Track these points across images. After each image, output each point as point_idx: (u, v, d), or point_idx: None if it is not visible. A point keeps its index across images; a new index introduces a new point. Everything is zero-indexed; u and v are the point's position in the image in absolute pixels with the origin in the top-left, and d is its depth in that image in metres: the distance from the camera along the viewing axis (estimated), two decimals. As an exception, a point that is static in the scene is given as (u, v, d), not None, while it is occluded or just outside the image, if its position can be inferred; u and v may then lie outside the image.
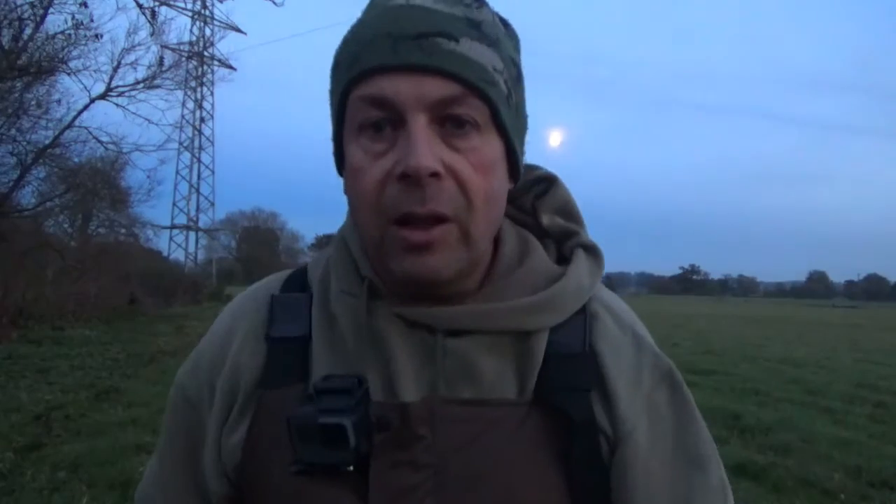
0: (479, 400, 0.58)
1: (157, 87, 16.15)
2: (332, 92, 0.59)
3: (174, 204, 45.14)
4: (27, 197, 15.33)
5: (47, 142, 14.32)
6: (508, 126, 0.57)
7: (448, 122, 0.54)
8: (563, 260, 0.66)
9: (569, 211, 0.68)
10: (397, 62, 0.52)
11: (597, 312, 0.64)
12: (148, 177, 18.44)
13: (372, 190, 0.54)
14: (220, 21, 35.42)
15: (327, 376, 0.57)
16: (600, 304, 0.65)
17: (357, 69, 0.54)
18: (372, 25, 0.55)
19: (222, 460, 0.63)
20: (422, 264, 0.54)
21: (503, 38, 0.58)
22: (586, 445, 0.58)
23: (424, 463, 0.56)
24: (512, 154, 0.59)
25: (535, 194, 0.69)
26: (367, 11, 0.58)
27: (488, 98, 0.54)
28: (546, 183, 0.69)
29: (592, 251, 0.66)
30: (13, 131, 13.53)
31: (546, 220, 0.68)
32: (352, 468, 0.55)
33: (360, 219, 0.57)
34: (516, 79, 0.59)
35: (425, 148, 0.52)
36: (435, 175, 0.52)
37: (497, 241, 0.63)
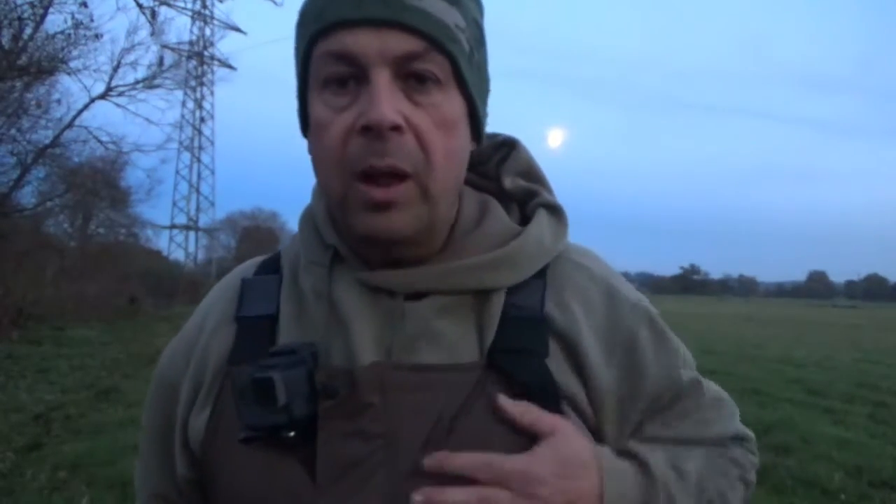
0: (431, 365, 0.57)
1: (157, 86, 16.19)
2: (297, 48, 0.59)
3: (174, 204, 45.17)
4: (27, 197, 15.35)
5: (47, 142, 14.33)
6: (470, 83, 0.57)
7: (411, 78, 0.54)
8: (527, 221, 0.65)
9: (531, 173, 0.68)
10: (360, 16, 0.52)
11: (567, 272, 0.64)
12: (148, 176, 18.53)
13: (335, 144, 0.54)
14: (220, 21, 35.40)
15: (283, 345, 0.58)
16: (571, 263, 0.65)
17: (320, 23, 0.54)
18: None
19: (188, 442, 0.64)
20: (381, 221, 0.54)
21: (466, 3, 0.58)
22: (544, 407, 0.57)
23: (375, 433, 0.55)
24: (474, 114, 0.59)
25: (498, 159, 0.69)
26: None
27: (450, 53, 0.54)
28: (507, 148, 0.69)
29: (554, 210, 0.66)
30: (13, 131, 13.53)
31: (508, 182, 0.67)
32: (293, 434, 0.54)
33: (324, 175, 0.57)
34: (479, 40, 0.59)
35: (387, 101, 0.52)
36: (396, 129, 0.52)
37: (458, 210, 0.63)
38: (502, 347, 0.58)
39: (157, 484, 0.70)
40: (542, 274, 0.62)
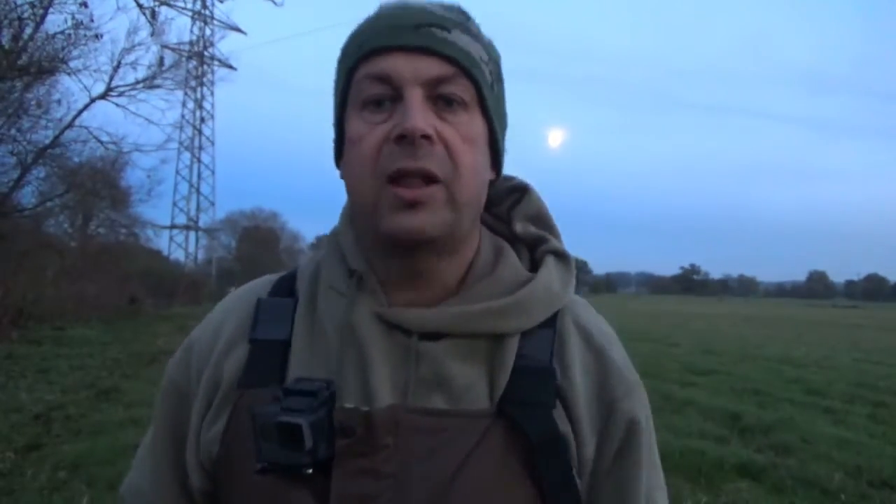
0: (444, 410, 0.60)
1: (157, 86, 16.20)
2: (338, 75, 0.65)
3: (174, 204, 45.16)
4: (27, 197, 15.37)
5: (47, 142, 14.35)
6: (491, 109, 0.63)
7: (440, 100, 0.60)
8: (536, 267, 0.69)
9: (542, 219, 0.72)
10: (396, 43, 0.59)
11: (569, 330, 0.67)
12: (148, 176, 18.52)
13: (370, 153, 0.59)
14: (220, 21, 35.41)
15: (299, 378, 0.60)
16: (573, 323, 0.68)
17: (362, 50, 0.61)
18: (376, 19, 0.63)
19: (200, 453, 0.66)
20: (410, 220, 0.58)
21: (489, 45, 0.65)
22: (550, 460, 0.60)
23: (387, 472, 0.58)
24: (494, 141, 0.64)
25: (511, 203, 0.73)
26: (373, 12, 0.65)
27: (474, 79, 0.61)
28: (520, 192, 0.73)
29: (562, 257, 0.69)
30: (13, 131, 13.55)
31: (519, 227, 0.71)
32: (311, 471, 0.57)
33: (357, 183, 0.61)
34: (498, 77, 0.66)
35: (419, 113, 0.58)
36: (427, 137, 0.57)
37: (477, 249, 0.67)
38: (512, 398, 0.61)
39: (157, 490, 0.71)
40: (551, 323, 0.65)
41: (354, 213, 0.67)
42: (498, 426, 0.60)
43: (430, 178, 0.58)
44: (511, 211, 0.72)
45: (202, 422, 0.66)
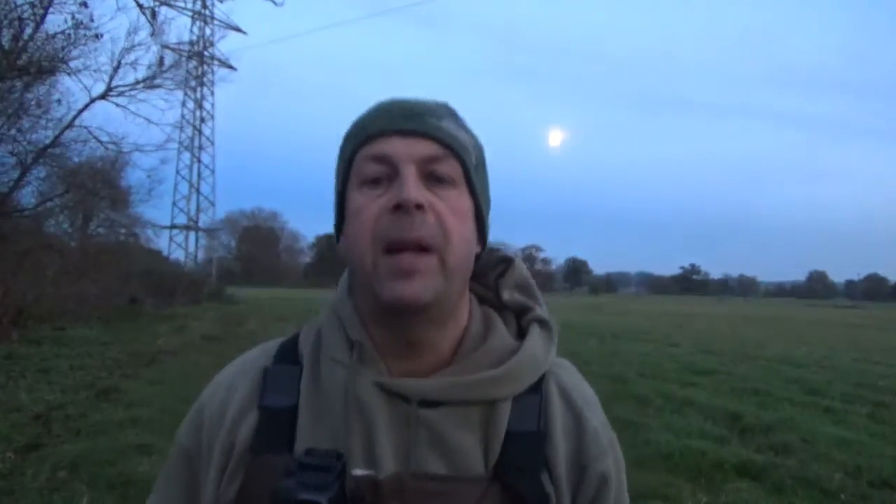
0: (445, 476, 0.66)
1: (158, 86, 16.18)
2: (341, 156, 0.72)
3: (174, 204, 45.14)
4: (27, 197, 15.35)
5: (47, 142, 14.33)
6: (477, 188, 0.70)
7: (431, 178, 0.67)
8: (522, 332, 0.76)
9: (526, 287, 0.79)
10: (394, 128, 0.67)
11: (552, 394, 0.73)
12: (148, 176, 18.49)
13: (370, 221, 0.65)
14: (220, 21, 35.42)
15: (309, 450, 0.64)
16: (556, 386, 0.74)
17: (363, 134, 0.68)
18: (375, 110, 0.71)
19: None
20: (406, 287, 0.63)
21: (473, 135, 0.73)
22: None
23: None
24: (480, 216, 0.71)
25: (498, 273, 0.79)
26: (372, 106, 0.72)
27: (462, 160, 0.68)
28: (506, 263, 0.79)
29: (545, 325, 0.76)
30: (13, 131, 13.54)
31: (506, 295, 0.78)
32: None
33: (357, 250, 0.67)
34: (482, 163, 0.73)
35: (413, 186, 0.64)
36: (420, 207, 0.64)
37: (467, 319, 0.73)
38: (506, 463, 0.67)
39: None
40: (538, 388, 0.72)
41: (353, 282, 0.73)
42: (494, 490, 0.66)
43: (423, 248, 0.64)
44: (498, 280, 0.78)
45: (219, 486, 0.70)
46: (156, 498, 0.77)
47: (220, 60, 34.82)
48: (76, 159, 15.98)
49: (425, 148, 0.66)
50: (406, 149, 0.66)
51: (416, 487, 0.64)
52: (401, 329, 0.68)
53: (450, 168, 0.67)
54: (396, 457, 0.66)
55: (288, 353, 0.76)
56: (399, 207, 0.63)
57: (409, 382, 0.67)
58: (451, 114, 0.71)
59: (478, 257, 0.73)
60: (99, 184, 17.19)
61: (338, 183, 0.72)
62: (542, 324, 0.76)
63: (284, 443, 0.68)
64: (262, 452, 0.68)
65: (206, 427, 0.74)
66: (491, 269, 0.79)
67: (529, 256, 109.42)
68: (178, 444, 0.77)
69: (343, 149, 0.72)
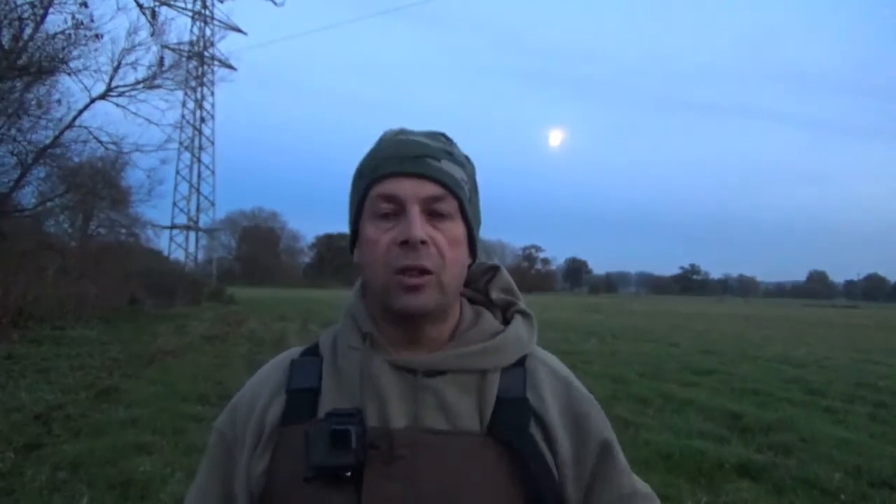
0: (448, 431, 0.79)
1: (158, 87, 16.23)
2: (355, 190, 0.85)
3: (174, 204, 45.16)
4: (27, 197, 15.38)
5: (47, 142, 14.35)
6: (470, 217, 0.84)
7: (433, 213, 0.80)
8: (507, 323, 0.91)
9: (510, 290, 0.95)
10: (403, 170, 0.80)
11: (537, 367, 0.88)
12: (148, 177, 18.52)
13: (382, 251, 0.80)
14: (220, 21, 35.43)
15: (331, 411, 0.77)
16: (540, 362, 0.89)
17: (376, 174, 0.82)
18: (386, 149, 0.83)
19: (250, 485, 0.82)
20: (413, 300, 0.79)
21: (466, 164, 0.87)
22: (532, 465, 0.78)
23: (404, 477, 0.76)
24: (472, 238, 0.85)
25: (487, 279, 0.95)
26: (382, 141, 0.86)
27: (458, 197, 0.82)
28: (494, 270, 0.95)
29: (526, 315, 0.92)
30: (13, 131, 13.55)
31: (494, 295, 0.93)
32: (349, 475, 0.74)
33: (373, 272, 0.81)
34: (474, 189, 0.88)
35: (419, 225, 0.78)
36: (424, 243, 0.78)
37: (459, 315, 0.89)
38: (498, 422, 0.80)
39: None
40: (521, 363, 0.86)
41: (367, 291, 0.87)
42: (488, 442, 0.79)
43: (425, 271, 0.78)
44: (487, 284, 0.94)
45: (251, 461, 0.83)
46: (198, 477, 0.90)
47: (220, 60, 34.87)
48: (76, 159, 16.04)
49: (429, 189, 0.80)
50: (413, 190, 0.79)
51: (423, 438, 0.78)
52: (406, 327, 0.83)
53: (448, 206, 0.81)
54: (406, 417, 0.79)
55: (311, 351, 0.91)
56: (406, 243, 0.77)
57: (414, 358, 0.82)
58: (448, 152, 0.84)
59: (469, 266, 0.87)
60: (99, 184, 17.22)
61: (352, 211, 0.86)
62: (524, 314, 0.92)
63: (310, 414, 0.81)
64: (290, 423, 0.81)
65: (240, 418, 0.87)
66: (481, 275, 0.94)
67: (529, 256, 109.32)
68: (216, 431, 0.90)
69: (356, 183, 0.85)
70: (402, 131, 0.87)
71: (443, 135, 0.88)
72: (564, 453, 0.82)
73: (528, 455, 0.79)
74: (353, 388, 0.82)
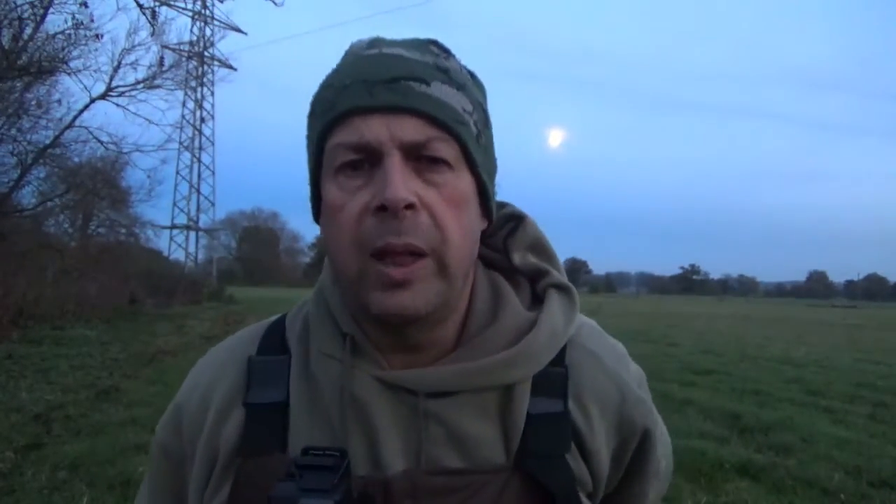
0: (460, 469, 0.59)
1: (158, 87, 16.19)
2: (309, 137, 0.60)
3: (174, 204, 45.12)
4: (27, 197, 15.36)
5: (47, 142, 14.34)
6: (479, 163, 0.59)
7: (422, 159, 0.55)
8: (537, 299, 0.67)
9: (540, 247, 0.69)
10: (373, 104, 0.54)
11: (581, 362, 0.65)
12: (148, 177, 18.48)
13: (350, 223, 0.55)
14: (220, 21, 35.39)
15: (307, 449, 0.54)
16: (585, 352, 0.65)
17: (334, 112, 0.56)
18: (347, 73, 0.57)
19: None
20: (398, 300, 0.54)
21: (470, 84, 0.61)
22: None
23: None
24: (483, 192, 0.61)
25: (506, 232, 0.69)
26: (343, 60, 0.60)
27: (459, 136, 0.56)
28: (516, 221, 0.69)
29: (565, 290, 0.67)
30: (13, 131, 13.54)
31: (518, 258, 0.68)
32: None
33: (339, 255, 0.57)
34: (485, 122, 0.62)
35: (400, 181, 0.53)
36: (410, 207, 0.53)
37: (471, 294, 0.64)
38: (528, 450, 0.59)
39: None
40: (560, 360, 0.63)
41: (337, 279, 0.63)
42: (515, 480, 0.59)
43: (415, 252, 0.54)
44: (507, 240, 0.68)
45: (203, 494, 0.63)
46: (141, 499, 0.71)
47: (220, 60, 34.86)
48: (76, 159, 16.01)
49: (413, 129, 0.54)
50: (388, 132, 0.54)
51: (430, 484, 0.57)
52: (395, 333, 0.60)
53: (444, 149, 0.56)
54: (406, 455, 0.58)
55: (274, 342, 0.67)
56: (384, 209, 0.53)
57: (413, 374, 0.59)
58: (441, 67, 0.58)
59: (484, 232, 0.64)
60: (99, 184, 17.19)
61: (310, 164, 0.60)
62: (562, 289, 0.66)
63: (277, 443, 0.60)
64: (251, 455, 0.60)
65: (185, 430, 0.66)
66: (499, 228, 0.68)
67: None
68: (158, 442, 0.69)
69: (312, 121, 0.60)
70: (376, 42, 0.60)
71: (434, 42, 0.60)
72: (603, 478, 0.64)
73: (562, 494, 0.59)
74: (330, 409, 0.60)
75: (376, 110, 0.54)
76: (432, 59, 0.58)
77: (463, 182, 0.57)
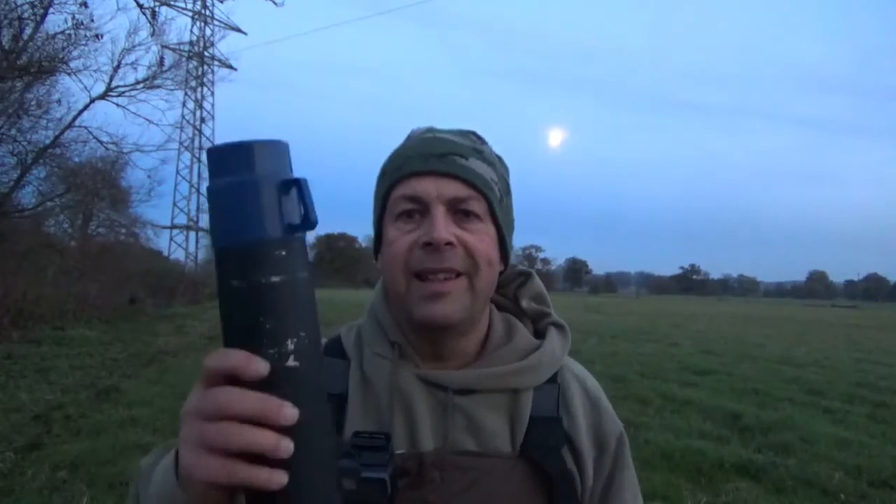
0: (479, 452, 0.76)
1: (158, 87, 16.19)
2: (378, 191, 0.81)
3: (174, 204, 45.13)
4: (27, 197, 15.35)
5: (47, 142, 14.33)
6: (500, 219, 0.78)
7: (459, 213, 0.75)
8: (538, 334, 0.86)
9: (542, 298, 0.90)
10: (426, 169, 0.75)
11: (569, 383, 0.83)
12: (148, 177, 18.49)
13: (402, 252, 0.74)
14: (220, 21, 35.42)
15: (357, 433, 0.72)
16: (572, 375, 0.85)
17: (399, 174, 0.77)
18: (410, 147, 0.79)
19: None
20: (436, 309, 0.73)
21: (498, 164, 0.82)
22: (563, 492, 0.76)
23: (433, 501, 0.73)
24: (503, 241, 0.80)
25: (517, 285, 0.90)
26: (407, 139, 0.82)
27: (487, 197, 0.76)
28: (525, 276, 0.90)
29: (561, 328, 0.87)
30: (13, 131, 13.53)
31: (525, 303, 0.89)
32: None
33: (392, 276, 0.76)
34: (506, 191, 0.82)
35: (443, 225, 0.73)
36: (449, 244, 0.73)
37: (490, 323, 0.84)
38: (531, 443, 0.77)
39: None
40: (554, 379, 0.82)
41: (389, 297, 0.82)
42: (520, 466, 0.76)
43: (453, 272, 0.73)
44: (518, 291, 0.89)
45: None
46: None
47: (220, 60, 34.84)
48: (76, 159, 16.01)
49: (454, 189, 0.74)
50: (436, 189, 0.74)
51: (454, 461, 0.74)
52: (431, 340, 0.78)
53: (476, 206, 0.75)
54: (435, 437, 0.76)
55: (335, 349, 0.85)
56: (429, 245, 0.72)
57: (445, 374, 0.77)
58: (477, 149, 0.79)
59: (500, 273, 0.82)
60: (99, 184, 17.21)
61: (375, 212, 0.81)
62: (559, 327, 0.87)
63: (335, 427, 0.75)
64: None
65: None
66: (510, 281, 0.89)
67: (529, 256, 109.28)
68: None
69: (380, 183, 0.81)
70: (430, 129, 0.81)
71: (473, 133, 0.82)
72: (589, 475, 0.80)
73: (560, 479, 0.76)
74: (380, 400, 0.77)
75: (428, 174, 0.75)
76: (471, 143, 0.79)
77: (489, 230, 0.77)
